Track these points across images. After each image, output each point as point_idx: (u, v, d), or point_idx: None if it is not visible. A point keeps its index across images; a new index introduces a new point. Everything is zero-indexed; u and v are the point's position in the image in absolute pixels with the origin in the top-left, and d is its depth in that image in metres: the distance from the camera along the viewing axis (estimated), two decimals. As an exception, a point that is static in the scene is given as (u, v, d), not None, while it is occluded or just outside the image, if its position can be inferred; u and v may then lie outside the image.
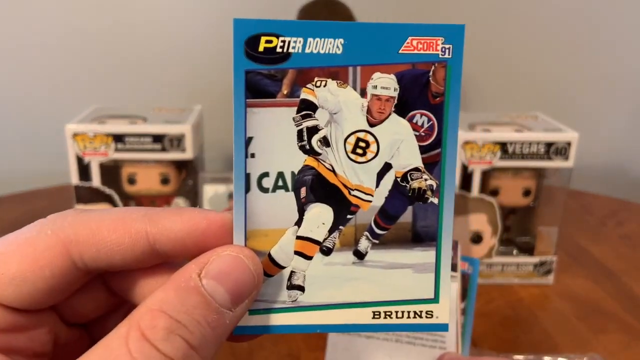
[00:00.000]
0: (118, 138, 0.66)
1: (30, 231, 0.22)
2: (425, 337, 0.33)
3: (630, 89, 1.17)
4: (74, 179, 0.67)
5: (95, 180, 0.67)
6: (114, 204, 0.68)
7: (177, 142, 0.67)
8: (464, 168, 0.67)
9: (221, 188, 0.67)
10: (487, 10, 1.10)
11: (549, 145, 0.66)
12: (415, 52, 0.24)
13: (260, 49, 0.24)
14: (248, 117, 0.25)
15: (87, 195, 0.68)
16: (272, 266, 0.25)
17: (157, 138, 0.66)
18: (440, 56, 0.24)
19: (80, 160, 0.66)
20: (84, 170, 0.67)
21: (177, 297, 0.20)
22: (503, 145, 0.66)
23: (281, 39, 0.24)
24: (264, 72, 0.25)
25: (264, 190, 0.25)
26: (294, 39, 0.24)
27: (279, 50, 0.24)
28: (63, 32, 1.05)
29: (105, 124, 0.66)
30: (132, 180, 0.69)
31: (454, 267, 0.33)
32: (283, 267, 0.25)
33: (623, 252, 0.82)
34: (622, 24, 1.12)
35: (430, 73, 0.25)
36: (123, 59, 1.08)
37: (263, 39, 0.24)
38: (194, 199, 0.70)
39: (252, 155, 0.25)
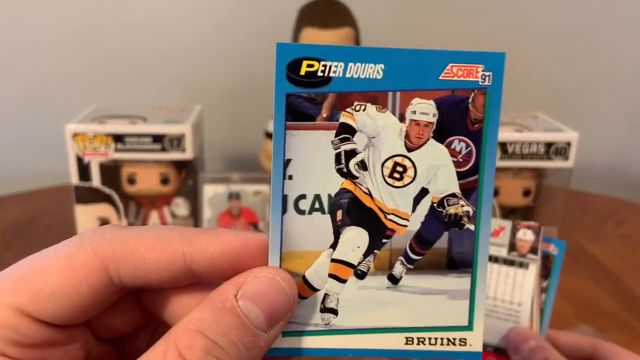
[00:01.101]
0: (118, 138, 0.66)
1: (69, 246, 0.22)
2: (501, 311, 0.35)
3: (630, 89, 1.17)
4: (74, 179, 0.67)
5: (95, 180, 0.67)
6: (114, 204, 0.68)
7: (177, 142, 0.67)
8: (464, 168, 0.67)
9: (221, 188, 0.67)
10: (487, 11, 1.10)
11: (548, 145, 0.66)
12: (455, 78, 0.25)
13: (302, 72, 0.24)
14: (287, 139, 0.24)
15: (87, 196, 0.68)
16: (306, 288, 0.25)
17: (157, 138, 0.66)
18: (480, 83, 0.25)
19: (80, 160, 0.66)
20: (84, 170, 0.67)
21: (214, 317, 0.21)
22: (503, 145, 0.66)
23: (322, 63, 0.24)
24: (304, 96, 0.24)
25: (301, 212, 0.25)
26: (335, 63, 0.24)
27: (320, 74, 0.24)
28: (63, 32, 1.05)
29: (105, 124, 0.67)
30: (132, 180, 0.69)
31: (534, 250, 0.36)
32: (317, 290, 0.25)
33: (623, 252, 0.82)
34: (622, 24, 1.12)
35: (470, 100, 0.25)
36: (123, 59, 1.08)
37: (305, 62, 0.24)
38: (194, 199, 0.70)
39: (290, 177, 0.25)
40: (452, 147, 0.26)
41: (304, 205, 0.25)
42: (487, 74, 0.24)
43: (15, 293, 0.20)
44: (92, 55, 1.07)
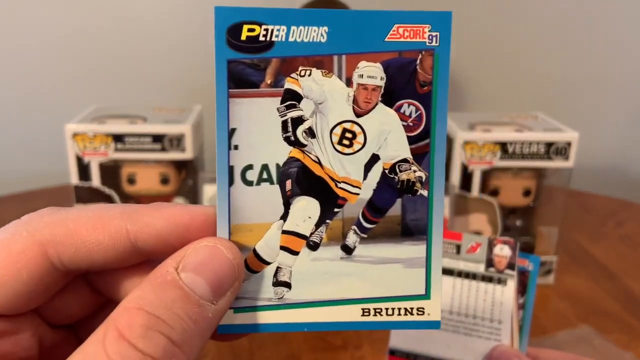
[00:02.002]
0: (118, 138, 0.66)
1: (5, 233, 0.21)
2: (481, 329, 0.35)
3: (630, 89, 1.17)
4: (74, 179, 0.67)
5: (95, 180, 0.67)
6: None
7: (177, 142, 0.67)
8: (464, 168, 0.67)
9: (221, 188, 0.67)
10: (487, 11, 1.10)
11: (549, 145, 0.66)
12: (402, 40, 0.23)
13: (243, 37, 0.23)
14: (231, 107, 0.23)
15: (87, 196, 0.68)
16: (257, 262, 0.24)
17: (157, 138, 0.66)
18: (428, 44, 0.24)
19: (80, 160, 0.66)
20: (83, 170, 0.67)
21: (155, 292, 0.19)
22: (503, 145, 0.66)
23: (264, 27, 0.23)
24: (246, 62, 0.23)
25: (248, 183, 0.24)
26: (277, 27, 0.23)
27: (261, 38, 0.23)
28: (63, 32, 1.05)
29: (105, 124, 0.66)
30: (131, 180, 0.69)
31: (511, 266, 0.36)
32: (269, 263, 0.24)
33: (623, 252, 0.82)
34: (622, 24, 1.12)
35: (418, 61, 0.24)
36: (123, 59, 1.08)
37: (245, 27, 0.23)
38: (194, 199, 0.70)
39: (236, 147, 0.24)
40: (402, 111, 0.25)
41: (252, 176, 0.24)
42: (434, 34, 0.23)
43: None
44: (92, 56, 1.07)
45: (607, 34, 1.13)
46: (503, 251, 0.36)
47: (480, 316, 0.35)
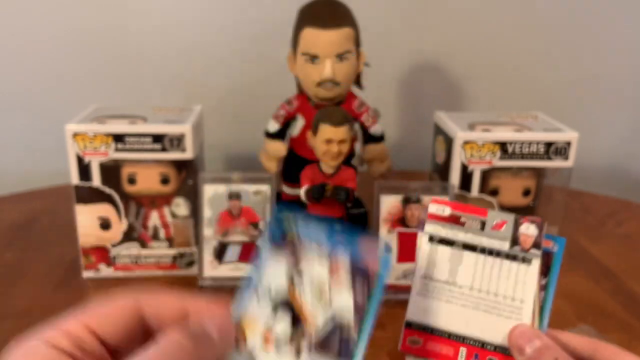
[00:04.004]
0: (118, 138, 0.66)
1: (116, 294, 0.30)
2: (502, 308, 0.35)
3: (629, 89, 1.17)
4: (74, 178, 0.67)
5: (96, 180, 0.67)
6: (114, 204, 0.68)
7: (177, 142, 0.67)
8: (464, 168, 0.67)
9: (221, 188, 0.67)
10: (486, 12, 1.11)
11: (548, 145, 0.66)
12: None
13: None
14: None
15: (88, 195, 0.68)
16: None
17: (157, 138, 0.66)
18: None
19: (80, 160, 0.66)
20: (84, 170, 0.67)
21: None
22: (503, 145, 0.66)
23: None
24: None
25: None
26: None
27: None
28: (63, 32, 1.05)
29: (105, 124, 0.67)
30: (132, 180, 0.69)
31: (537, 245, 0.36)
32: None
33: (623, 251, 0.82)
34: (622, 24, 1.13)
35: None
36: (123, 59, 1.08)
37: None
38: (194, 199, 0.70)
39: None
40: None
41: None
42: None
43: (85, 316, 0.28)
44: (92, 56, 1.07)
45: (607, 34, 1.13)
46: (529, 230, 0.36)
47: (502, 294, 0.35)
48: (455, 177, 0.67)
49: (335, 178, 0.67)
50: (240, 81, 1.11)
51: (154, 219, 0.72)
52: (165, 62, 1.09)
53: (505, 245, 0.35)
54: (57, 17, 1.04)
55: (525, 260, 0.35)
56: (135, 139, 0.66)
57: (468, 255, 0.36)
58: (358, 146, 0.81)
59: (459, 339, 0.35)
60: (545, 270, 0.36)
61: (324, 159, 0.66)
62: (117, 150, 0.66)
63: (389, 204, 0.65)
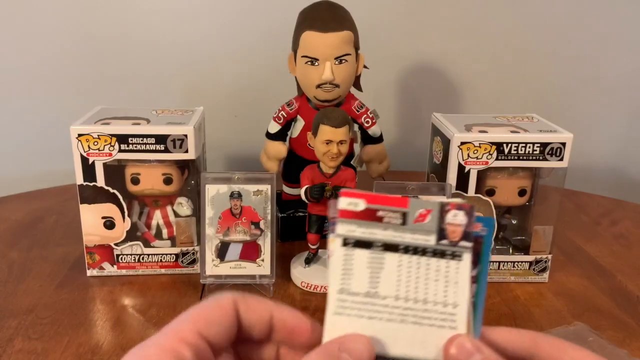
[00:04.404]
0: (122, 139, 0.67)
1: (216, 297, 0.31)
2: (433, 316, 0.29)
3: (624, 91, 1.18)
4: (79, 179, 0.68)
5: (100, 180, 0.68)
6: (118, 204, 0.69)
7: (179, 142, 0.68)
8: (461, 168, 0.68)
9: (223, 187, 0.68)
10: (484, 13, 1.11)
11: (544, 145, 0.67)
12: None
13: None
14: None
15: (92, 195, 0.69)
16: None
17: (160, 139, 0.67)
18: None
19: (85, 161, 0.67)
20: (88, 171, 0.68)
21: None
22: (499, 146, 0.67)
23: None
24: None
25: None
26: None
27: None
28: (67, 35, 1.06)
29: (109, 125, 0.68)
30: (135, 180, 0.70)
31: (467, 236, 0.29)
32: None
33: (617, 250, 0.83)
34: (617, 27, 1.14)
35: None
36: (127, 62, 1.09)
37: None
38: (196, 199, 0.71)
39: None
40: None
41: None
42: None
43: (195, 324, 0.29)
44: (96, 59, 1.08)
45: (602, 37, 1.14)
46: (457, 218, 0.29)
47: (432, 300, 0.29)
48: (452, 177, 0.68)
49: (335, 178, 0.68)
50: (241, 83, 1.12)
51: (157, 218, 0.73)
52: (168, 65, 1.10)
53: (431, 240, 0.29)
54: (61, 20, 1.05)
55: (455, 256, 0.29)
56: (139, 140, 0.67)
57: (390, 257, 0.29)
58: (357, 147, 0.82)
59: None
60: (475, 259, 0.30)
61: (323, 160, 0.67)
62: (120, 150, 0.67)
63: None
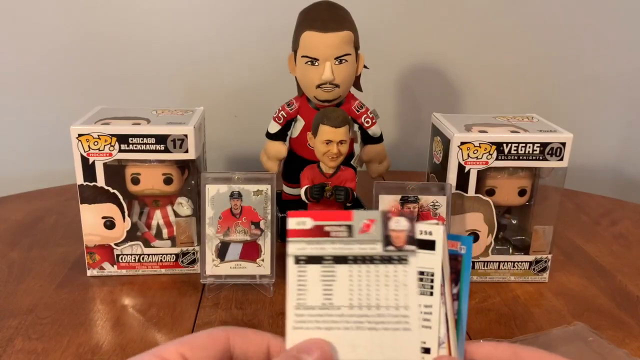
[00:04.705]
0: (122, 139, 0.67)
1: (210, 329, 0.32)
2: (387, 320, 0.31)
3: (624, 91, 1.18)
4: (79, 179, 0.68)
5: (100, 180, 0.68)
6: (118, 204, 0.69)
7: (179, 142, 0.68)
8: (461, 168, 0.68)
9: (223, 187, 0.68)
10: (484, 14, 1.12)
11: (543, 145, 0.67)
12: None
13: None
14: None
15: (92, 195, 0.69)
16: None
17: (161, 139, 0.67)
18: None
19: (85, 161, 0.67)
20: (88, 171, 0.68)
21: None
22: (499, 146, 0.67)
23: None
24: None
25: None
26: None
27: None
28: (68, 35, 1.06)
29: (109, 125, 0.68)
30: (135, 180, 0.70)
31: (410, 240, 0.32)
32: None
33: (617, 250, 0.83)
34: (616, 27, 1.14)
35: None
36: (127, 62, 1.09)
37: None
38: (197, 199, 0.71)
39: None
40: None
41: None
42: None
43: (180, 346, 0.30)
44: (97, 59, 1.08)
45: (602, 37, 1.14)
46: (400, 224, 0.31)
47: (384, 305, 0.31)
48: (452, 177, 0.68)
49: (335, 178, 0.68)
50: (241, 83, 1.12)
51: (157, 218, 0.73)
52: (168, 65, 1.10)
53: (377, 248, 0.31)
54: (62, 20, 1.05)
55: (402, 260, 0.31)
56: (139, 140, 0.67)
57: (341, 269, 0.31)
58: (357, 147, 0.82)
59: None
60: (455, 278, 0.32)
61: (323, 160, 0.67)
62: (120, 151, 0.67)
63: (387, 203, 0.66)
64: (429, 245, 0.32)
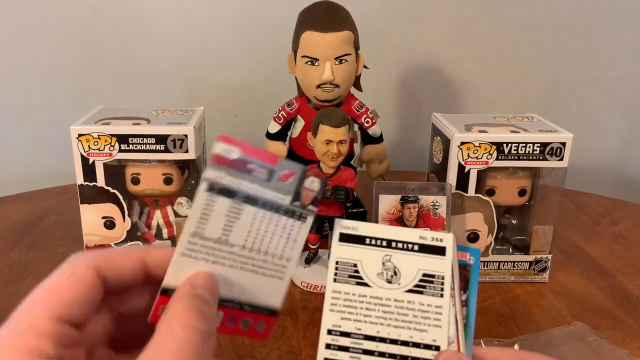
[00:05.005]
0: (122, 139, 0.67)
1: (70, 262, 0.28)
2: (268, 267, 0.32)
3: (624, 91, 1.18)
4: (79, 179, 0.68)
5: (100, 180, 0.68)
6: (118, 204, 0.69)
7: (179, 142, 0.68)
8: (461, 168, 0.68)
9: (223, 188, 0.68)
10: (483, 14, 1.12)
11: (544, 145, 0.67)
12: None
13: None
14: None
15: (92, 195, 0.69)
16: None
17: (161, 139, 0.67)
18: None
19: (85, 161, 0.67)
20: (88, 170, 0.68)
21: (187, 300, 0.29)
22: (499, 146, 0.67)
23: None
24: None
25: None
26: None
27: None
28: (68, 35, 1.06)
29: (109, 125, 0.68)
30: (135, 180, 0.71)
31: (315, 202, 0.33)
32: None
33: (617, 250, 0.83)
34: (616, 27, 1.14)
35: None
36: (127, 62, 1.09)
37: None
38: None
39: None
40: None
41: None
42: None
43: (49, 306, 0.26)
44: (97, 59, 1.08)
45: (602, 37, 1.14)
46: (313, 185, 0.32)
47: (271, 253, 0.32)
48: (452, 177, 0.68)
49: (335, 178, 0.68)
50: (242, 83, 1.12)
51: (157, 218, 0.73)
52: (169, 65, 1.10)
53: (286, 200, 0.32)
54: (62, 20, 1.05)
55: (301, 217, 0.32)
56: (139, 140, 0.67)
57: (248, 210, 0.31)
58: (357, 147, 0.82)
59: (219, 303, 0.32)
60: (464, 285, 0.34)
61: (323, 160, 0.67)
62: (120, 151, 0.67)
63: (387, 203, 0.66)
64: (440, 251, 0.34)
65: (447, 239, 0.35)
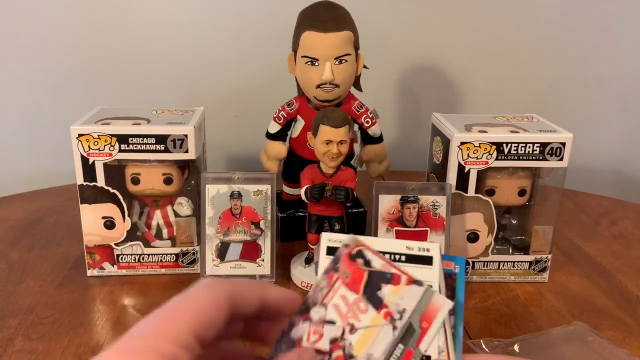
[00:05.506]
0: (122, 139, 0.67)
1: (207, 286, 0.30)
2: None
3: (624, 91, 1.18)
4: (79, 179, 0.68)
5: (100, 180, 0.68)
6: (118, 204, 0.69)
7: (179, 142, 0.68)
8: (461, 168, 0.68)
9: (223, 187, 0.68)
10: (483, 14, 1.12)
11: (543, 145, 0.67)
12: None
13: None
14: None
15: (92, 195, 0.69)
16: None
17: (161, 139, 0.67)
18: None
19: (85, 161, 0.67)
20: (88, 171, 0.68)
21: None
22: (499, 146, 0.67)
23: None
24: None
25: None
26: None
27: None
28: (68, 35, 1.06)
29: (109, 125, 0.68)
30: (135, 180, 0.71)
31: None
32: None
33: (616, 250, 0.83)
34: (616, 27, 1.14)
35: None
36: (127, 62, 1.09)
37: None
38: (197, 199, 0.71)
39: None
40: None
41: None
42: None
43: (192, 323, 0.28)
44: (97, 59, 1.08)
45: (602, 37, 1.14)
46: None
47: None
48: (452, 177, 0.68)
49: (335, 178, 0.68)
50: (241, 83, 1.12)
51: (157, 218, 0.73)
52: (169, 65, 1.10)
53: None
54: (62, 20, 1.05)
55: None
56: (139, 140, 0.67)
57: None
58: (357, 147, 0.82)
59: None
60: (450, 294, 0.35)
61: (323, 160, 0.67)
62: (120, 151, 0.67)
63: (387, 203, 0.67)
64: (427, 260, 0.36)
65: (433, 249, 0.36)
